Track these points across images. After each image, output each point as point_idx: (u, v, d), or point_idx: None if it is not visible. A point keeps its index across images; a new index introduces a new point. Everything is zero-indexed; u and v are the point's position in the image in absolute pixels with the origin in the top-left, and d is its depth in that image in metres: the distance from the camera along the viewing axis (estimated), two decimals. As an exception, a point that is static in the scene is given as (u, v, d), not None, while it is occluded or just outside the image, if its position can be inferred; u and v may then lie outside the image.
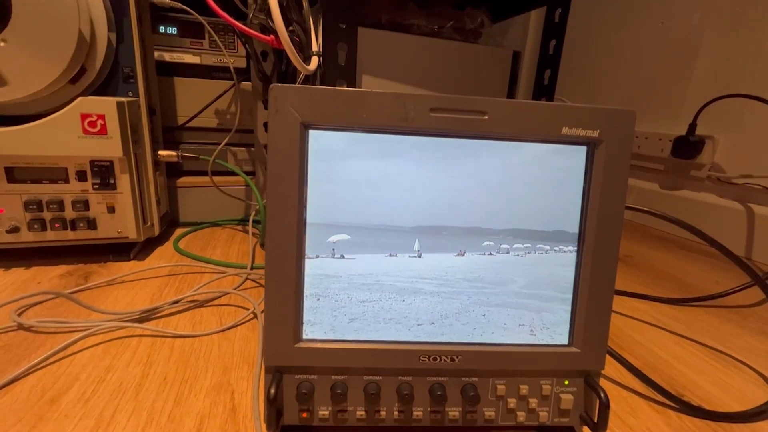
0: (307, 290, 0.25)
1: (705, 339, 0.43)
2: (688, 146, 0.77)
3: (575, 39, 1.06)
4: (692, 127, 0.76)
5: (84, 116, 0.46)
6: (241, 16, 0.58)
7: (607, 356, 0.36)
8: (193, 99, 0.70)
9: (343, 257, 0.25)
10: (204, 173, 0.67)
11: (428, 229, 0.25)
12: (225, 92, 0.71)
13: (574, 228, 0.26)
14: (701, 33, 0.79)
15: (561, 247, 0.26)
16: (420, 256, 0.25)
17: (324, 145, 0.24)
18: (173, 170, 0.71)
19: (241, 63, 0.71)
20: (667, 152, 0.82)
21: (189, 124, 0.71)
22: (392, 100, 0.23)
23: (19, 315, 0.39)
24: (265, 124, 0.68)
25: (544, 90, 0.55)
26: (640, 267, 0.64)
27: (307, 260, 0.25)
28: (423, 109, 0.23)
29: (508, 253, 0.26)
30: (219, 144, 0.67)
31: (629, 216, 0.84)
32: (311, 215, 0.24)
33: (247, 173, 0.72)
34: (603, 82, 1.01)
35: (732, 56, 0.75)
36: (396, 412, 0.26)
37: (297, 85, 0.23)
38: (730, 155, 0.76)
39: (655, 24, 0.87)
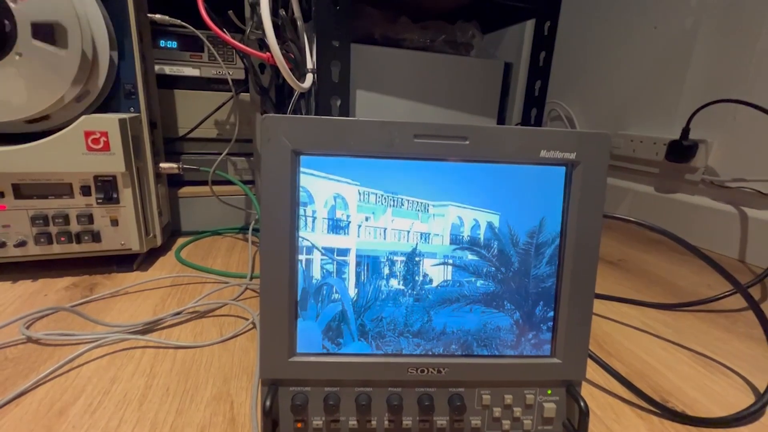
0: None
1: (693, 344, 0.44)
2: (681, 150, 0.78)
3: (570, 44, 1.07)
4: (686, 131, 0.77)
5: (88, 134, 0.47)
6: (240, 31, 0.60)
7: (594, 363, 0.37)
8: (193, 110, 0.72)
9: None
10: (205, 183, 0.68)
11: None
12: (224, 103, 0.73)
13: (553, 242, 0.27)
14: (694, 37, 0.80)
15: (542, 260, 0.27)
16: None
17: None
18: (174, 180, 0.73)
19: (240, 75, 0.73)
20: (662, 156, 0.83)
21: (189, 135, 0.73)
22: (378, 128, 0.25)
23: (27, 328, 0.41)
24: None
25: (534, 101, 0.56)
26: (632, 271, 0.65)
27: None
28: (407, 135, 0.25)
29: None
30: (219, 154, 0.69)
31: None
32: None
33: (246, 182, 0.74)
34: (598, 87, 1.02)
35: (725, 60, 0.75)
36: (386, 422, 0.27)
37: (288, 115, 0.24)
38: (723, 159, 0.77)
39: (649, 28, 0.88)
